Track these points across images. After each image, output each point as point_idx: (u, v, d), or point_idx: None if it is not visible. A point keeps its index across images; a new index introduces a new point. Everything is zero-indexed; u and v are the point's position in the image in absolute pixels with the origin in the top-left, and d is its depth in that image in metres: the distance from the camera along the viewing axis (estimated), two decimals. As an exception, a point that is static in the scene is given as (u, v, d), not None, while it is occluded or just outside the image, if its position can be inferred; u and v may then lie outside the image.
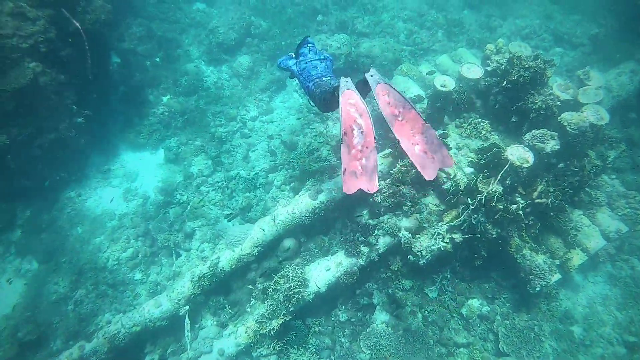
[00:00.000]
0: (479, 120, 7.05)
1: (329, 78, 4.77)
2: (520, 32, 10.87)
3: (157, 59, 11.22)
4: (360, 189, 3.73)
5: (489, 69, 6.76)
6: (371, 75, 4.01)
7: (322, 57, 5.13)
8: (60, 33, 7.65)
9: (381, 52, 9.51)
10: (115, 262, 8.00)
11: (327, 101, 4.47)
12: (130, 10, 11.46)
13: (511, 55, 6.33)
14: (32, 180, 8.54)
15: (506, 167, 5.68)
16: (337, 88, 4.03)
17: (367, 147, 3.76)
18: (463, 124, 7.12)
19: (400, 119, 3.91)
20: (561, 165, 6.44)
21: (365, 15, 11.15)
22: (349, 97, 3.91)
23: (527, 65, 6.24)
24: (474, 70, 6.75)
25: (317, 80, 4.76)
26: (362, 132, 3.78)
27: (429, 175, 3.81)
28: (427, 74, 8.59)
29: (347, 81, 4.00)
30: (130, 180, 9.39)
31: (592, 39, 10.54)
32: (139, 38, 11.17)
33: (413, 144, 3.87)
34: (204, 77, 10.77)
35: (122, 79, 10.50)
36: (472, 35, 10.57)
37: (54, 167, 8.68)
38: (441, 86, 6.52)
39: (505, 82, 6.40)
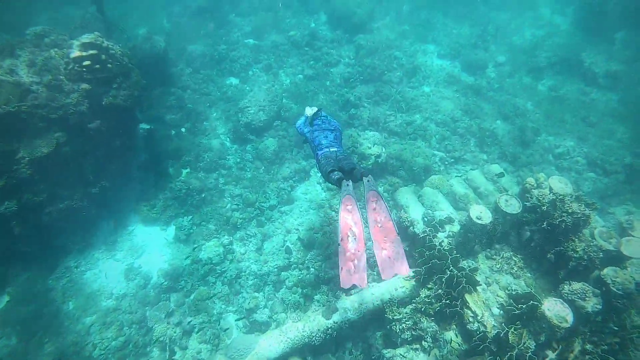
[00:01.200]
0: (512, 254, 6.85)
1: (335, 149, 5.55)
2: (553, 151, 10.94)
3: (183, 130, 11.43)
4: (353, 284, 4.42)
5: (528, 204, 6.66)
6: (367, 181, 4.92)
7: (332, 127, 5.99)
8: (92, 106, 7.80)
9: (412, 157, 9.54)
10: (102, 353, 7.58)
11: (330, 179, 5.16)
12: (166, 77, 11.87)
13: (554, 198, 6.23)
14: (33, 247, 8.37)
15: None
16: (339, 167, 5.17)
17: (359, 251, 4.52)
18: (495, 256, 6.91)
19: (379, 225, 4.69)
20: (599, 318, 6.10)
21: (398, 112, 11.35)
22: (347, 203, 4.75)
23: (570, 210, 6.11)
24: (512, 204, 6.64)
25: (326, 150, 5.52)
26: (355, 239, 4.59)
27: (385, 275, 4.48)
28: (496, 176, 8.81)
29: (347, 185, 4.85)
30: (135, 255, 9.19)
31: (626, 167, 10.52)
32: (168, 107, 11.48)
33: (382, 249, 4.59)
34: (227, 155, 10.85)
35: (145, 145, 10.64)
36: (504, 148, 10.65)
37: (58, 235, 8.54)
38: (477, 218, 6.40)
39: (545, 224, 6.25)
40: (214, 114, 12.03)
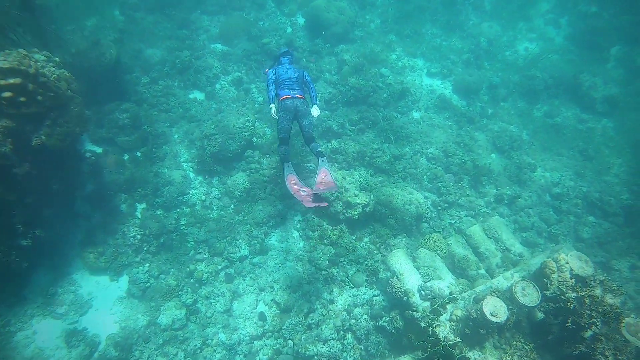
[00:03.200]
0: (524, 343, 6.31)
1: (296, 96, 6.86)
2: (551, 190, 10.58)
3: (139, 154, 10.23)
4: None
5: (548, 293, 6.10)
6: (322, 161, 6.23)
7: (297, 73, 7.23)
8: (19, 147, 6.56)
9: (403, 205, 8.87)
10: None
11: (278, 148, 6.57)
12: (118, 89, 10.58)
13: (583, 295, 5.67)
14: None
15: None
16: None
17: (310, 194, 5.90)
18: (504, 345, 6.35)
19: (322, 181, 6.03)
20: None
21: (386, 143, 10.60)
22: (291, 179, 6.09)
23: (601, 310, 5.59)
24: (529, 293, 6.06)
25: (287, 92, 6.90)
26: (305, 192, 5.95)
27: (307, 203, 5.79)
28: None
29: (288, 166, 6.22)
30: (79, 312, 8.14)
31: (624, 209, 10.32)
32: (120, 127, 10.23)
33: (311, 190, 5.96)
34: (190, 190, 9.82)
35: (92, 172, 9.43)
36: (501, 189, 10.15)
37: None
38: (492, 315, 5.77)
39: (570, 323, 5.69)
40: (175, 136, 10.89)
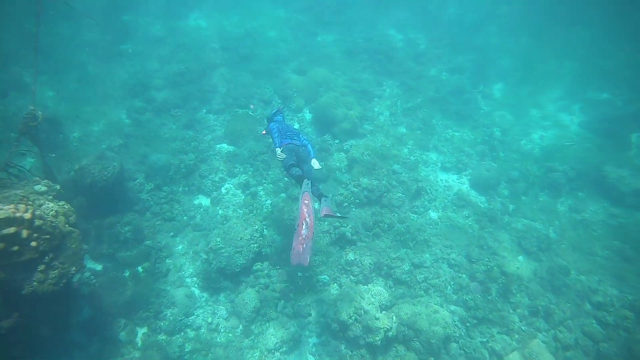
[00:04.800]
0: None
1: (298, 144, 7.85)
2: (590, 297, 9.92)
3: (140, 269, 9.82)
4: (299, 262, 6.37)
5: None
6: (307, 184, 6.90)
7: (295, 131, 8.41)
8: (8, 297, 6.15)
9: (428, 326, 8.26)
10: None
11: (291, 173, 7.26)
12: (120, 200, 10.40)
13: None
14: None
15: None
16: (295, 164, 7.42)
17: (308, 237, 6.44)
18: None
19: (306, 223, 6.51)
20: None
21: (404, 248, 10.17)
22: (305, 198, 6.69)
23: None
24: None
25: (289, 141, 7.78)
26: (307, 227, 6.46)
27: (293, 260, 6.43)
28: None
29: (307, 184, 6.88)
30: None
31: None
32: (121, 242, 9.93)
33: (300, 242, 6.43)
34: (195, 310, 9.27)
35: (91, 295, 8.98)
36: (534, 299, 9.56)
37: None
38: None
39: None
40: (180, 247, 10.55)
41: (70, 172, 9.87)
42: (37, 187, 6.84)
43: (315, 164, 7.71)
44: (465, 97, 15.96)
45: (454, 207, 11.87)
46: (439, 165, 13.25)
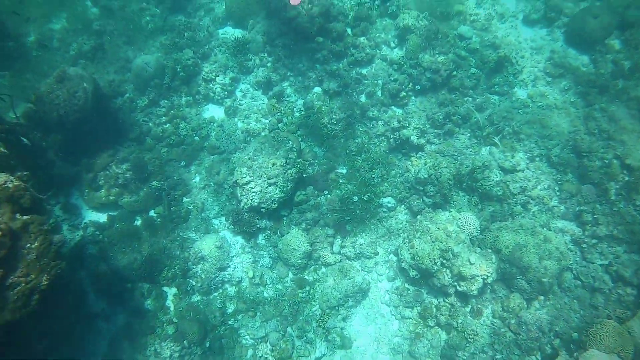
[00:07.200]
0: None
1: None
2: None
3: (154, 214, 8.23)
4: None
5: None
6: None
7: None
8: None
9: (539, 260, 6.52)
10: None
11: None
12: (110, 129, 8.42)
13: None
14: None
15: None
16: None
17: None
18: None
19: None
20: None
21: (486, 144, 8.01)
22: None
23: None
24: None
25: None
26: None
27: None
28: None
29: None
30: None
31: None
32: (122, 185, 8.18)
33: None
34: (231, 260, 7.80)
35: (101, 254, 7.75)
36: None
37: None
38: None
39: None
40: (197, 178, 8.73)
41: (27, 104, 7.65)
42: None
43: None
44: None
45: (548, 78, 9.14)
46: (521, 17, 10.05)
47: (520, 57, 9.27)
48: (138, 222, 8.19)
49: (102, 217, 8.17)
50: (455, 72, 8.79)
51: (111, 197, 8.10)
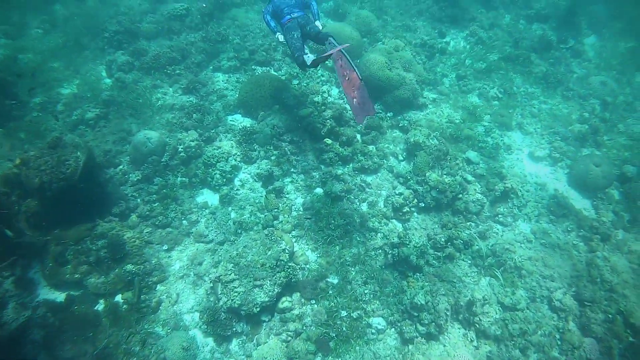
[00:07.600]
0: None
1: (297, 15, 7.40)
2: None
3: (120, 300, 7.40)
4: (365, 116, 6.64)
5: None
6: (329, 43, 7.01)
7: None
8: None
9: None
10: None
11: (304, 65, 6.84)
12: (93, 201, 7.93)
13: None
14: None
15: None
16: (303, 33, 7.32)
17: (356, 88, 6.72)
18: None
19: (347, 78, 6.75)
20: None
21: (486, 276, 7.62)
22: (337, 57, 6.87)
23: None
24: None
25: (288, 17, 7.39)
26: (350, 82, 6.75)
27: (359, 120, 6.82)
28: None
29: (330, 43, 7.03)
30: None
31: None
32: (93, 263, 7.45)
33: (352, 97, 6.75)
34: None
35: (45, 343, 6.68)
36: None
37: None
38: None
39: None
40: (176, 266, 8.08)
41: (10, 167, 7.20)
42: None
43: (318, 25, 7.58)
44: (551, 54, 12.68)
45: (550, 217, 9.08)
46: (526, 152, 10.29)
47: (525, 190, 9.29)
48: (100, 307, 7.40)
49: (60, 297, 7.36)
50: (460, 194, 8.70)
51: (76, 275, 7.34)
